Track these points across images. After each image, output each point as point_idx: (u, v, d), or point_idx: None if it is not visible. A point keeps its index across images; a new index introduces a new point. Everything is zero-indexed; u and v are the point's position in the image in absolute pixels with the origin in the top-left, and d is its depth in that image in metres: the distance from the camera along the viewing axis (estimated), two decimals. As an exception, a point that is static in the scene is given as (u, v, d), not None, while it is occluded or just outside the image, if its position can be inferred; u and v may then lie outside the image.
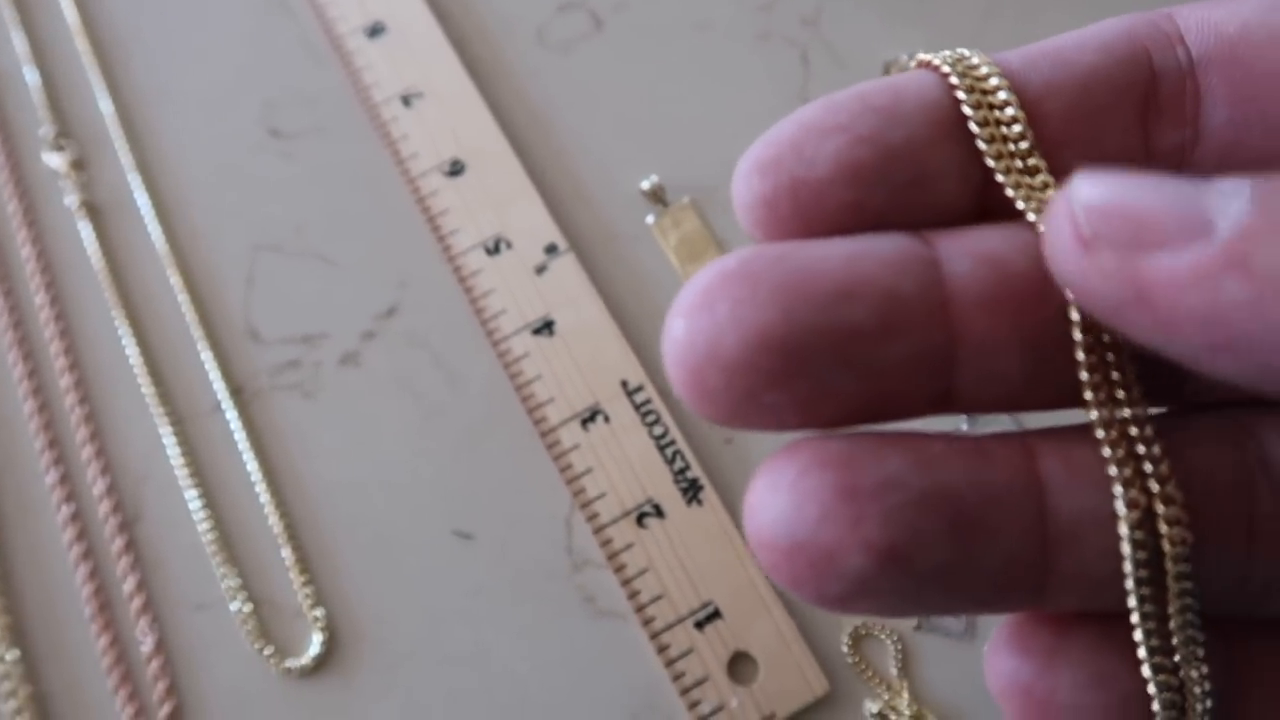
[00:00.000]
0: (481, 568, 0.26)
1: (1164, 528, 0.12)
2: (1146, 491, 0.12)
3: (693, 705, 0.24)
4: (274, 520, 0.26)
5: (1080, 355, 0.12)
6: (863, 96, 0.13)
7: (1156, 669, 0.12)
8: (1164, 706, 0.12)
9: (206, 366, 0.28)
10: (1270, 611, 0.13)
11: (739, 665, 0.25)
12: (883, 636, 0.25)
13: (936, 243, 0.13)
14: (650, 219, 0.29)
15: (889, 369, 0.12)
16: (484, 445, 0.27)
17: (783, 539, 0.12)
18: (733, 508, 0.26)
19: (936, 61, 0.14)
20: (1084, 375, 0.12)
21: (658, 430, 0.27)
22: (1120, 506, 0.12)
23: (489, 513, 0.27)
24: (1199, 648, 0.12)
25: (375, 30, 0.31)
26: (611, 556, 0.26)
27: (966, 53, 0.14)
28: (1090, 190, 0.11)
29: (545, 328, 0.28)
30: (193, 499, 0.27)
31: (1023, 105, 0.13)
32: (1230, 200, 0.10)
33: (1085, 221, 0.11)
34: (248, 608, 0.26)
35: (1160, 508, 0.12)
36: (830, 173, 0.13)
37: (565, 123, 0.31)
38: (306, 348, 0.28)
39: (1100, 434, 0.12)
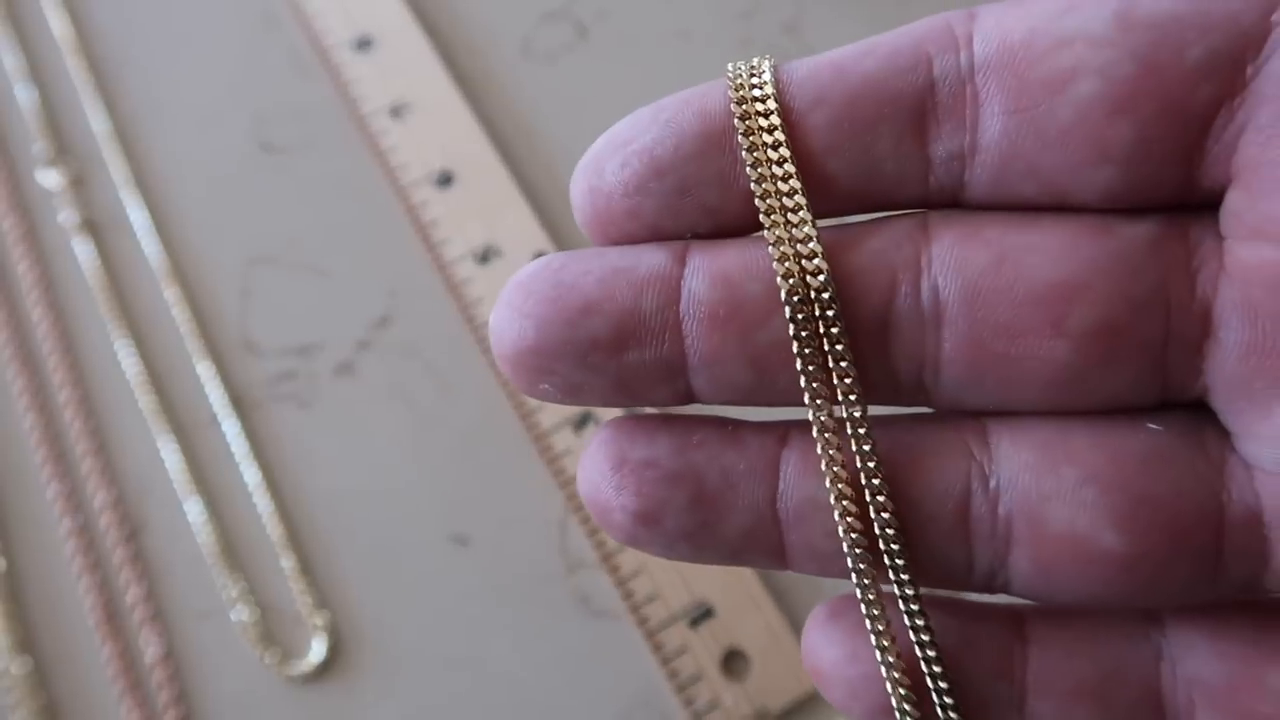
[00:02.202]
0: (478, 571, 0.27)
1: (874, 514, 0.14)
2: (855, 482, 0.14)
3: (688, 703, 0.25)
4: (274, 528, 0.27)
5: (800, 368, 0.14)
6: (658, 110, 0.15)
7: (880, 648, 0.14)
8: (893, 683, 0.14)
9: (204, 379, 0.29)
10: (1007, 592, 0.15)
11: (732, 662, 0.25)
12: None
13: (689, 258, 0.14)
14: (637, 225, 0.30)
15: (627, 373, 0.14)
16: (478, 451, 0.28)
17: (584, 492, 0.15)
18: (723, 508, 0.27)
19: (729, 72, 0.15)
20: (804, 385, 0.14)
21: (648, 433, 0.27)
22: (830, 495, 0.14)
23: (484, 517, 0.27)
24: (921, 619, 0.14)
25: (363, 43, 0.32)
26: (606, 558, 0.26)
27: (759, 62, 0.15)
28: None
29: (536, 335, 0.28)
30: (194, 509, 0.27)
31: (792, 116, 0.14)
32: None
33: None
34: (251, 615, 0.26)
35: (868, 486, 0.14)
36: (612, 183, 0.14)
37: (552, 131, 0.31)
38: (302, 359, 0.29)
39: (815, 433, 0.14)
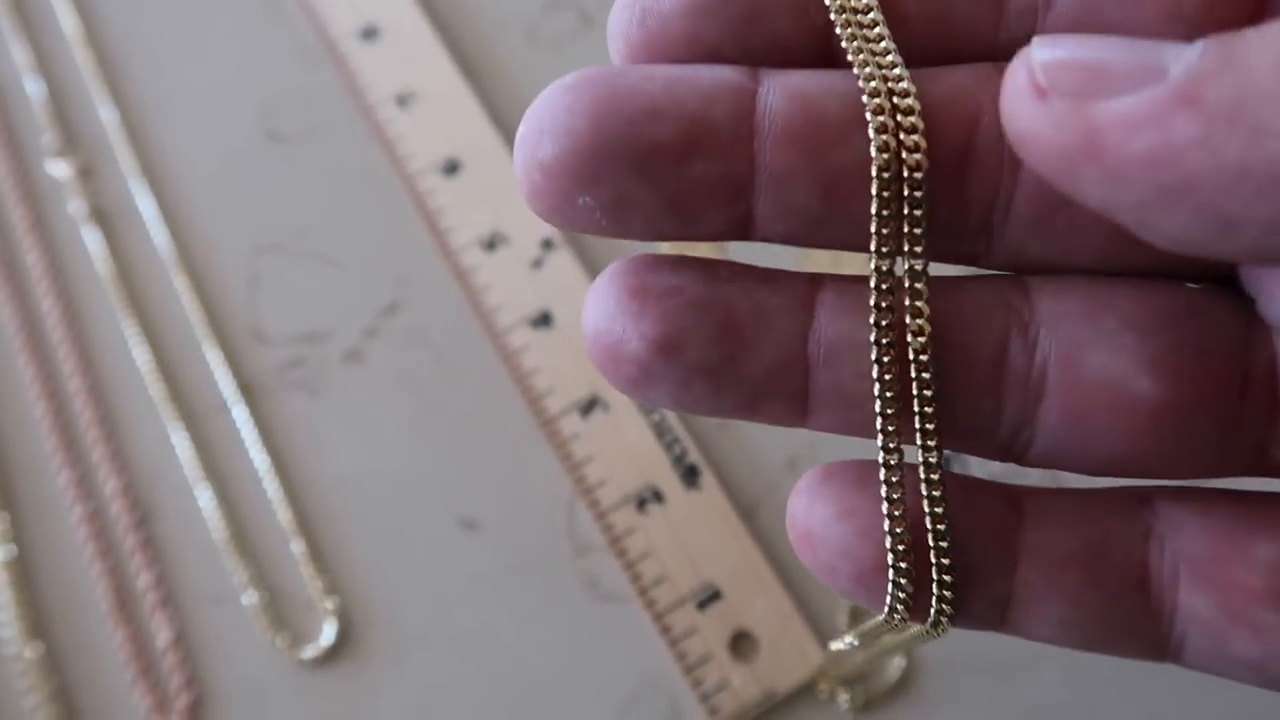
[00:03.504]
0: (487, 555, 0.27)
1: (910, 339, 0.14)
2: (900, 322, 0.14)
3: (696, 684, 0.25)
4: (284, 514, 0.27)
5: (875, 191, 0.13)
6: None
7: (890, 500, 0.14)
8: (893, 533, 0.14)
9: (213, 366, 0.29)
10: (1020, 461, 0.15)
11: (740, 644, 0.25)
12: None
13: (762, 77, 0.13)
14: (643, 212, 0.30)
15: (689, 187, 0.13)
16: (486, 436, 0.28)
17: (590, 327, 0.14)
18: (730, 491, 0.27)
19: None
20: (874, 211, 0.13)
21: (655, 417, 0.27)
22: (872, 332, 0.14)
23: (493, 502, 0.27)
24: (937, 473, 0.14)
25: (368, 33, 0.32)
26: (613, 541, 0.26)
27: None
28: (1048, 48, 0.12)
29: (543, 320, 0.28)
30: (204, 495, 0.27)
31: None
32: (1185, 51, 0.11)
33: (1042, 74, 0.12)
34: (261, 599, 0.26)
35: (910, 325, 0.14)
36: (673, 6, 0.14)
37: (558, 119, 0.32)
38: (310, 346, 0.29)
39: (872, 265, 0.14)
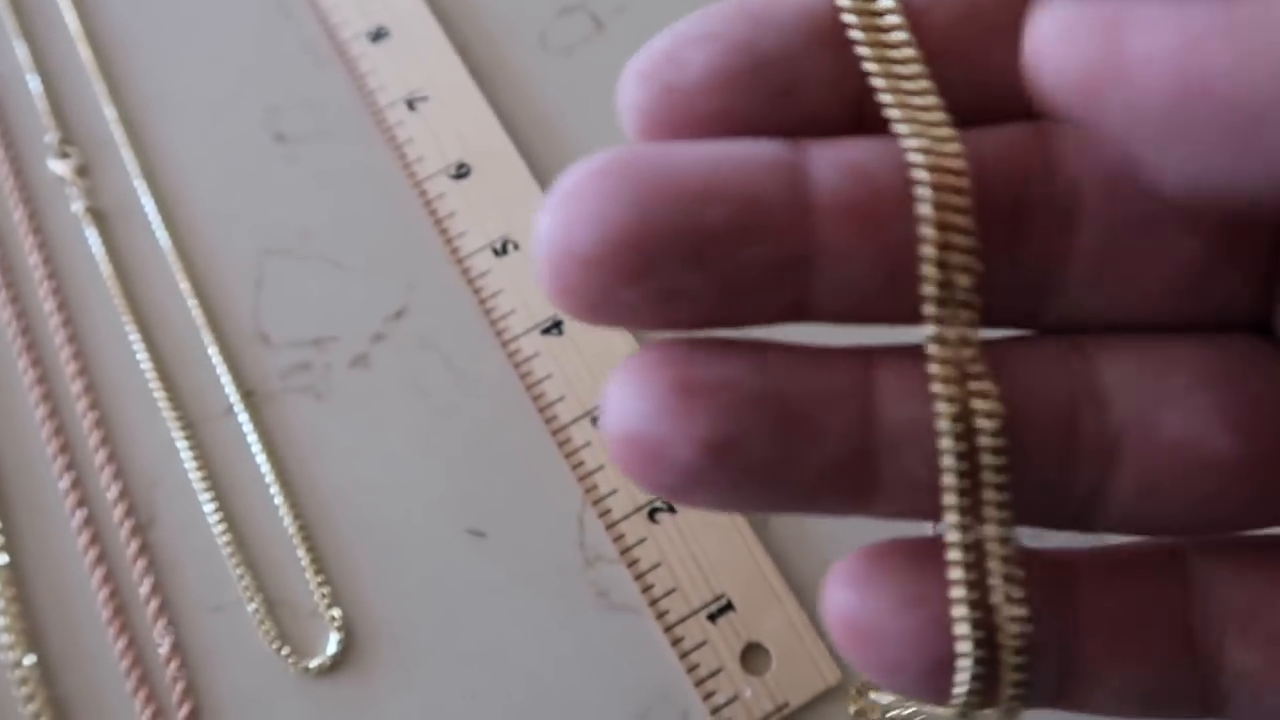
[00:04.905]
0: (495, 565, 0.26)
1: (981, 424, 0.12)
2: (965, 399, 0.12)
3: (707, 696, 0.25)
4: (288, 521, 0.27)
5: (926, 269, 0.12)
6: (740, 3, 0.13)
7: (968, 585, 0.13)
8: (972, 620, 0.13)
9: (217, 370, 0.28)
10: (1086, 530, 0.14)
11: (752, 656, 0.25)
12: (892, 626, 0.25)
13: (807, 150, 0.13)
14: (654, 219, 0.30)
15: (744, 273, 0.12)
16: (495, 444, 0.28)
17: (623, 430, 0.12)
18: (743, 502, 0.27)
19: None
20: (927, 290, 0.12)
21: (667, 427, 0.27)
22: (940, 408, 0.12)
23: (502, 511, 0.27)
24: (1010, 562, 0.13)
25: (378, 34, 0.32)
26: (624, 552, 0.26)
27: None
28: None
29: (554, 327, 0.28)
30: (206, 502, 0.27)
31: (907, 16, 0.13)
32: None
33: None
34: (264, 608, 0.26)
35: (979, 408, 0.12)
36: (700, 79, 0.13)
37: (569, 124, 0.31)
38: (316, 350, 0.29)
39: (930, 346, 0.12)
